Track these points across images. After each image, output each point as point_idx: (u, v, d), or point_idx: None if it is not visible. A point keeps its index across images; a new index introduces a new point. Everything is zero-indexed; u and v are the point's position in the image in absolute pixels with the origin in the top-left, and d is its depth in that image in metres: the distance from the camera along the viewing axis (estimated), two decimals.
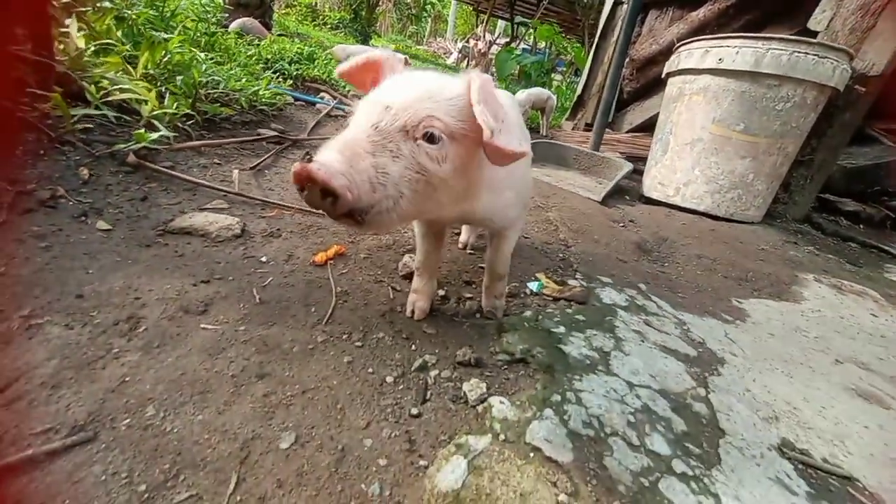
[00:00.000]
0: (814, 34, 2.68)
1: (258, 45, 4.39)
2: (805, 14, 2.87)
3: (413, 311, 1.15)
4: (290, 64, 4.35)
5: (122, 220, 1.27)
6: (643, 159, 3.59)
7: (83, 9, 2.01)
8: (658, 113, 3.93)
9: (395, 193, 0.64)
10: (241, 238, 1.37)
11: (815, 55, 2.05)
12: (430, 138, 0.66)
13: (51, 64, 1.48)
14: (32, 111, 1.43)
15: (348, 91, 4.45)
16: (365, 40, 13.83)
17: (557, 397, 0.81)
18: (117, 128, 1.69)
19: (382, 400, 0.83)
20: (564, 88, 11.50)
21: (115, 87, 1.74)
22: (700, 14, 3.50)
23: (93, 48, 1.89)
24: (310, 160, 0.57)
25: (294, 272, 1.25)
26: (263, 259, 1.29)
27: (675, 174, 2.54)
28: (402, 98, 0.67)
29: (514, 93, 5.24)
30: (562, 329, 1.08)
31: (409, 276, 1.35)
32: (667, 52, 3.80)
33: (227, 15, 5.71)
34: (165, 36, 2.31)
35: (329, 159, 0.58)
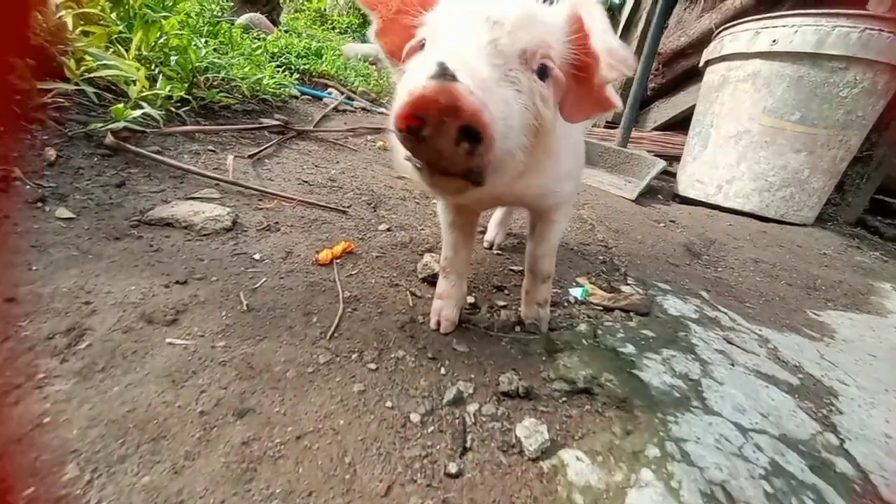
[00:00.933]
0: None
1: (264, 39, 4.23)
2: None
3: (439, 323, 0.92)
4: (297, 58, 4.18)
5: (89, 209, 1.06)
6: (672, 158, 3.35)
7: None
8: (686, 109, 3.69)
9: (519, 143, 0.49)
10: (231, 231, 1.16)
11: (891, 32, 1.80)
12: (542, 72, 0.52)
13: (24, 33, 1.29)
14: None
15: (357, 87, 4.28)
16: None
17: (654, 451, 0.58)
18: (99, 108, 1.48)
19: (407, 450, 0.60)
20: None
21: (100, 63, 1.54)
22: (736, 2, 3.26)
23: (81, 28, 1.70)
24: (444, 73, 0.38)
25: (293, 272, 1.03)
26: (256, 256, 1.07)
27: (717, 170, 2.29)
28: (511, 13, 0.50)
29: None
30: (630, 348, 0.85)
31: (429, 280, 1.12)
32: (697, 43, 3.56)
33: (231, 4, 5.57)
34: (163, 15, 2.12)
35: (465, 80, 0.39)
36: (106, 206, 1.10)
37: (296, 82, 3.71)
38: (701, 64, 2.58)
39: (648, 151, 3.36)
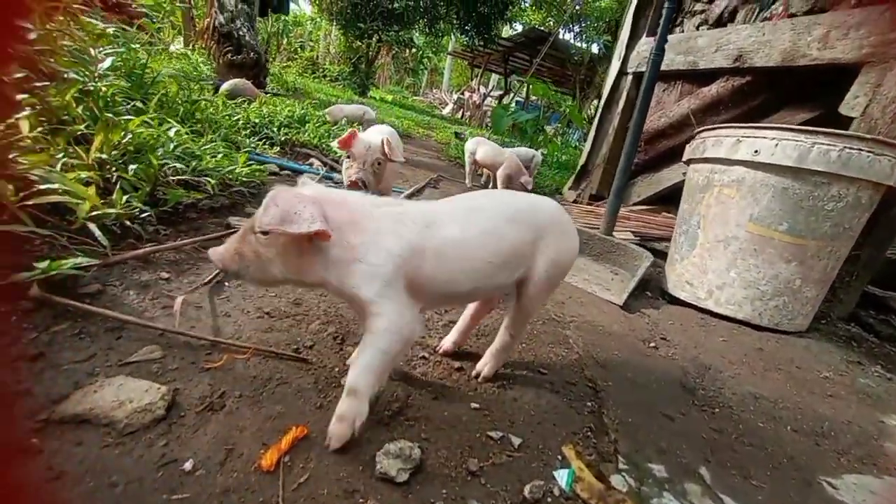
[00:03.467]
0: (843, 119, 2.47)
1: (246, 108, 4.21)
2: (828, 97, 2.69)
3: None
4: (278, 129, 4.15)
5: None
6: (655, 239, 3.31)
7: (42, 83, 1.74)
8: (669, 185, 3.71)
9: (244, 264, 1.00)
10: (163, 422, 0.99)
11: (870, 152, 1.78)
12: (264, 232, 0.95)
13: None
14: None
15: (339, 156, 4.24)
16: (363, 92, 14.20)
17: None
18: (43, 238, 1.35)
19: None
20: (558, 142, 11.71)
21: (46, 184, 1.42)
22: (712, 90, 3.34)
23: (38, 131, 1.59)
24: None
25: (228, 493, 0.86)
26: (187, 466, 0.89)
27: (707, 275, 2.22)
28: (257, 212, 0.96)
29: (510, 146, 6.02)
30: None
31: (390, 479, 0.96)
32: (677, 125, 3.63)
33: (212, 66, 5.56)
34: (127, 117, 2.03)
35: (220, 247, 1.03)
36: (11, 395, 0.93)
37: (276, 156, 3.65)
38: (684, 159, 2.57)
39: (633, 233, 3.32)
